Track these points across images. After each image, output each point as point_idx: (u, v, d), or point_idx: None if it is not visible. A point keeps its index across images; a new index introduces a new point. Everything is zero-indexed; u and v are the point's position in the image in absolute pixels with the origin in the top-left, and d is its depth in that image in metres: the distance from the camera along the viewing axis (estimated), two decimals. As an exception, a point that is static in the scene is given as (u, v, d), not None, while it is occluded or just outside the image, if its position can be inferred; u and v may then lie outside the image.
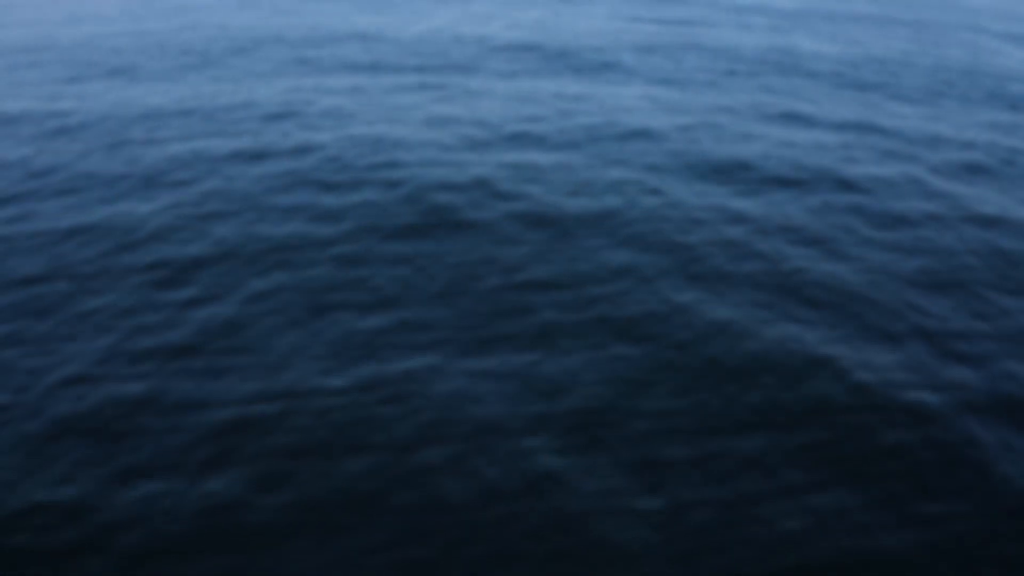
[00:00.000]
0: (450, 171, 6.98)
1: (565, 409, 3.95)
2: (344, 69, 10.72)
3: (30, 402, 3.89)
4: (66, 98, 9.11)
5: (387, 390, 4.03)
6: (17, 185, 6.56)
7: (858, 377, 4.27)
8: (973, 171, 7.62)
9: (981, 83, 11.51)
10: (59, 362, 4.20)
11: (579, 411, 3.94)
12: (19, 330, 4.49)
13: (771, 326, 4.73)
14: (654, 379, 4.20)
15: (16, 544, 3.07)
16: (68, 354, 4.27)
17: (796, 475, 3.57)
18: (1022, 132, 9.12)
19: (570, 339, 4.52)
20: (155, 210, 6.09)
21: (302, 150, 7.44)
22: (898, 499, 3.46)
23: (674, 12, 17.10)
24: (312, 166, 7.04)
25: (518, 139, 7.93)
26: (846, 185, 7.06)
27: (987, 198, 6.93)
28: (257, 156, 7.27)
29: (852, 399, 4.11)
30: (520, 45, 12.61)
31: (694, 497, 3.42)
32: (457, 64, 11.15)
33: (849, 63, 12.38)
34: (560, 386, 4.12)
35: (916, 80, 11.46)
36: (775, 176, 7.19)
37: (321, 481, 3.44)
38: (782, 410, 4.00)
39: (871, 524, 3.32)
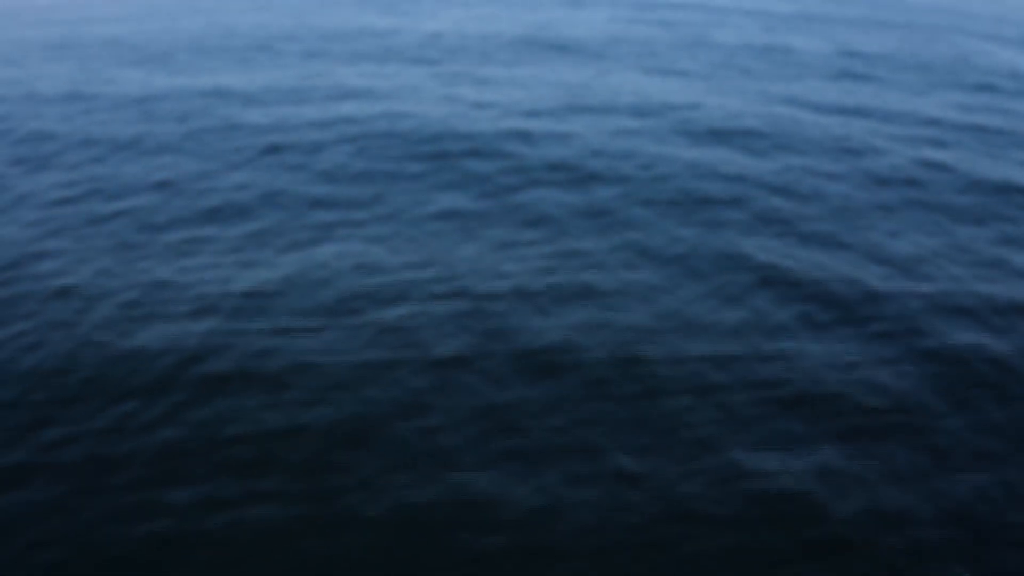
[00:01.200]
0: (477, 138, 7.43)
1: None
2: (361, 60, 11.19)
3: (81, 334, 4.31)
4: (95, 83, 9.57)
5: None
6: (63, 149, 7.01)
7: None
8: (949, 144, 8.08)
9: (966, 76, 11.99)
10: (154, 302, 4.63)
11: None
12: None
13: (770, 251, 5.16)
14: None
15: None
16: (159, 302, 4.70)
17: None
18: (1000, 113, 9.59)
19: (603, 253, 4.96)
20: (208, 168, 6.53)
21: (327, 124, 7.89)
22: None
23: (672, 15, 17.63)
24: (340, 136, 7.49)
25: (530, 113, 8.38)
26: (843, 151, 7.50)
27: (966, 163, 7.38)
28: (286, 128, 7.72)
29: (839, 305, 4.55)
30: (524, 41, 13.09)
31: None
32: (467, 57, 11.62)
33: (843, 57, 12.87)
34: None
35: (905, 74, 11.94)
36: (774, 142, 7.64)
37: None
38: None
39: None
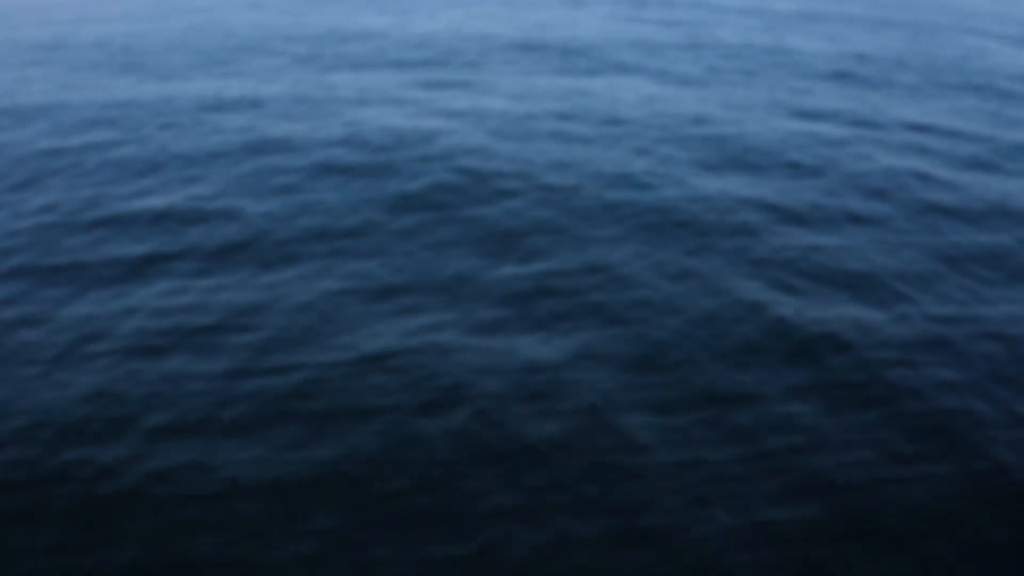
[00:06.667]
0: (464, 158, 7.18)
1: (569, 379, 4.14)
2: (352, 66, 10.93)
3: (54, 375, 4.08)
4: (79, 91, 9.32)
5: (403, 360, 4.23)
6: (34, 172, 6.76)
7: (855, 340, 4.47)
8: (967, 160, 7.84)
9: (972, 79, 11.74)
10: (85, 340, 4.40)
11: (581, 383, 4.14)
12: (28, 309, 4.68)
13: (779, 302, 4.93)
14: (658, 352, 4.40)
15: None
16: (91, 331, 4.47)
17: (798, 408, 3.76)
18: (1007, 121, 9.34)
19: (583, 317, 4.72)
20: (173, 199, 6.29)
21: (312, 140, 7.65)
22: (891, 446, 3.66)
23: (671, 14, 17.35)
24: (326, 155, 7.24)
25: (527, 129, 8.14)
26: (845, 173, 7.26)
27: (980, 184, 7.14)
28: (271, 147, 7.47)
29: (848, 362, 4.31)
30: (523, 44, 12.82)
31: (708, 450, 3.62)
32: (462, 61, 11.36)
33: (846, 61, 12.61)
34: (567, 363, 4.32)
35: (910, 77, 11.68)
36: (778, 164, 7.40)
37: (338, 441, 3.63)
38: (776, 356, 4.20)
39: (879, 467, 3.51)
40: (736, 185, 6.91)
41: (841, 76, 11.53)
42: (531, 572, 3.01)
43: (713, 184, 6.91)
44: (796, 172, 7.30)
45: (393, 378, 4.11)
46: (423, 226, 5.89)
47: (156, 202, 6.20)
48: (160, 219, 5.91)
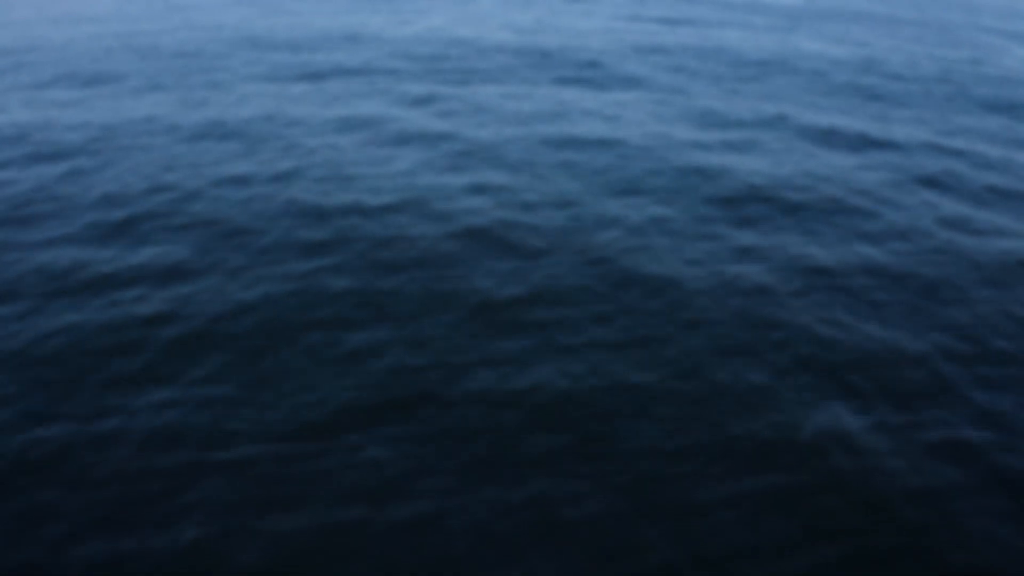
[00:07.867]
0: (438, 188, 6.79)
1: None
2: (336, 74, 10.52)
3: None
4: (42, 107, 8.92)
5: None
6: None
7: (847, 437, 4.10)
8: (981, 186, 7.43)
9: (986, 88, 11.29)
10: (21, 396, 4.04)
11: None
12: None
13: (761, 372, 4.56)
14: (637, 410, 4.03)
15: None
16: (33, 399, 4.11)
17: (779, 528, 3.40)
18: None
19: (561, 355, 4.35)
20: (136, 217, 5.92)
21: (287, 170, 7.26)
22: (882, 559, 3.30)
23: (676, 11, 16.86)
24: (296, 184, 6.86)
25: (509, 156, 7.74)
26: (847, 203, 6.86)
27: (994, 214, 6.73)
28: (243, 179, 7.09)
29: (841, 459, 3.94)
30: (517, 47, 12.38)
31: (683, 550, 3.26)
32: (452, 69, 10.94)
33: (853, 67, 12.16)
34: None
35: (921, 86, 11.23)
36: (777, 198, 7.00)
37: (287, 538, 3.27)
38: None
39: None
40: (734, 236, 6.52)
41: (849, 86, 11.09)
42: None
43: (709, 233, 6.51)
44: (799, 217, 6.89)
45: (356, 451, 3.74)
46: (395, 253, 5.51)
47: (114, 215, 5.82)
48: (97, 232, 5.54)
